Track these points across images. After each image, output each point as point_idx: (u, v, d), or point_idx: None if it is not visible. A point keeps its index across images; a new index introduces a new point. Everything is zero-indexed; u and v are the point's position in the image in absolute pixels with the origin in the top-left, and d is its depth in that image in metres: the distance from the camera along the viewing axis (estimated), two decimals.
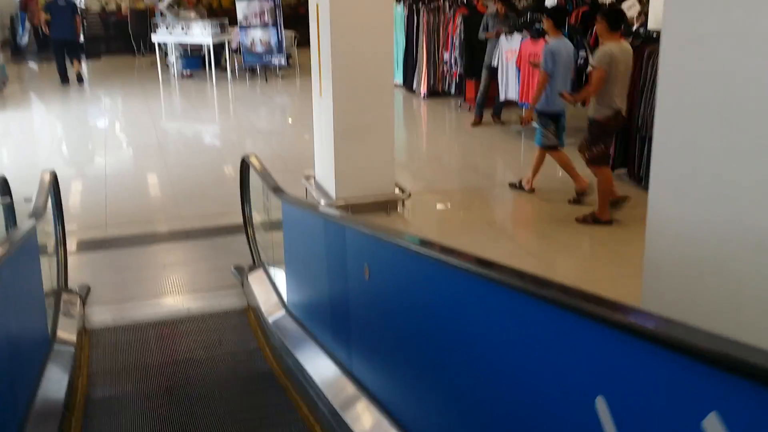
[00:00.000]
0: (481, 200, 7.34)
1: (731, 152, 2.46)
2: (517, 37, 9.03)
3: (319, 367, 3.59)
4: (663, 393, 1.42)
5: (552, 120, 6.82)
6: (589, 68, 6.88)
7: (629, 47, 6.24)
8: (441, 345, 2.40)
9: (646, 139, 6.98)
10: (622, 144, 7.37)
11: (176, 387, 3.98)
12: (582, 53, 8.54)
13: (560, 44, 6.78)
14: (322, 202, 6.56)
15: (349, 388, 3.21)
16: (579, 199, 6.80)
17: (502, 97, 9.60)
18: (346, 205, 6.43)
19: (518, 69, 9.02)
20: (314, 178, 7.11)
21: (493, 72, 9.61)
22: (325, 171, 6.79)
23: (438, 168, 7.79)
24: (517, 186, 7.26)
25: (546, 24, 6.96)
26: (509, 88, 9.32)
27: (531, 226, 6.80)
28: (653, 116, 6.77)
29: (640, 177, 7.15)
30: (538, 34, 8.48)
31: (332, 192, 6.56)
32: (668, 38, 2.65)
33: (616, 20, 6.06)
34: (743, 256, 2.42)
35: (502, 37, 9.28)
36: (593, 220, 6.28)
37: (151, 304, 5.15)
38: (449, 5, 11.20)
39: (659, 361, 1.40)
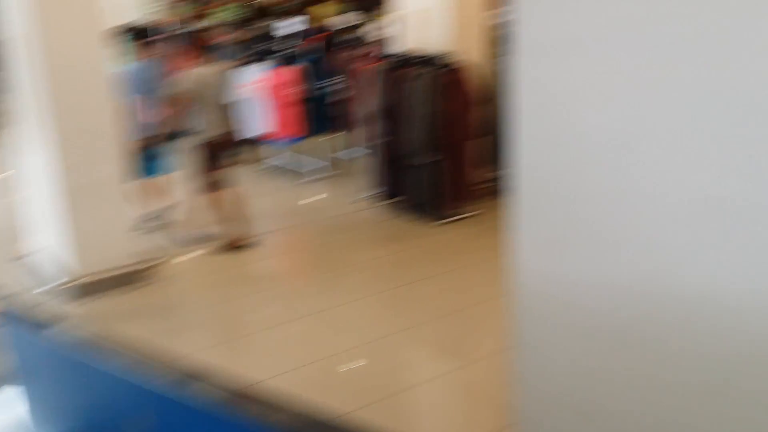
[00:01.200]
0: (247, 251, 6.34)
1: (620, 188, 1.87)
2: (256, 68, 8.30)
3: None
4: None
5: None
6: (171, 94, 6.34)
7: (216, 69, 6.02)
8: None
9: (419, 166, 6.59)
10: (391, 173, 6.92)
11: None
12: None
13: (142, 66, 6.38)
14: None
15: None
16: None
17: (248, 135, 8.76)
18: (90, 282, 5.19)
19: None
20: (31, 256, 5.68)
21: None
22: (50, 244, 5.43)
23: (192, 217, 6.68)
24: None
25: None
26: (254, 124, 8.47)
27: (309, 272, 6.06)
28: (416, 143, 6.45)
29: (420, 204, 6.73)
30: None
31: (63, 271, 5.24)
32: (524, 50, 2.02)
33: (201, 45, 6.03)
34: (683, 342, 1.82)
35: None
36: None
37: None
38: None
39: None
